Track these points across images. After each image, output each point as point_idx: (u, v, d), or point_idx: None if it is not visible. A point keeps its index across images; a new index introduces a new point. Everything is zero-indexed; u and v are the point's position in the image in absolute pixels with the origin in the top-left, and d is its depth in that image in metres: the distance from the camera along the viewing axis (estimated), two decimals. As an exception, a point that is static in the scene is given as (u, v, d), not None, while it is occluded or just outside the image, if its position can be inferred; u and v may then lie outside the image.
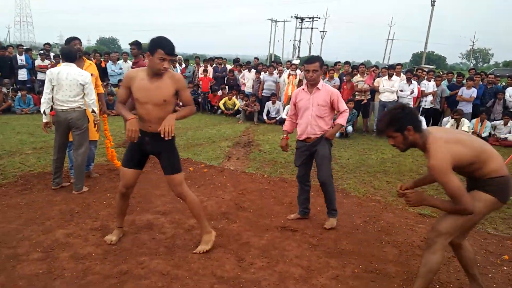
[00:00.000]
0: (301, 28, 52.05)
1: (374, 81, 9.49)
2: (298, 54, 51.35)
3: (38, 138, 6.87)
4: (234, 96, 11.28)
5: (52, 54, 11.49)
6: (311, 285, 2.71)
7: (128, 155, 3.01)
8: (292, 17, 51.31)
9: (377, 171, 5.90)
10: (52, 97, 4.09)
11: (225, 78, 12.27)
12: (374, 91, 9.49)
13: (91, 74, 4.34)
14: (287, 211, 4.09)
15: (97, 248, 3.03)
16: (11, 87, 10.23)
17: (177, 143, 7.03)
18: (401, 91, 8.93)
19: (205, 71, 11.85)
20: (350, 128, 8.82)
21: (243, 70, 11.89)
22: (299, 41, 53.82)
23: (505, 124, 8.86)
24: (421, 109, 9.37)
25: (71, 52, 4.19)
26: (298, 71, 10.42)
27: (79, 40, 4.53)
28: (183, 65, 12.69)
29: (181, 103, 3.06)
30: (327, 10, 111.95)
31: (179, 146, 6.97)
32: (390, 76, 8.96)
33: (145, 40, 3.16)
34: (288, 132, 3.90)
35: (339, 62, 11.28)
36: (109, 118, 5.85)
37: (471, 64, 58.35)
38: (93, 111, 4.25)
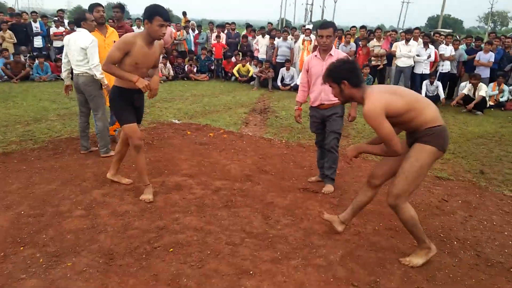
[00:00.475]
0: (314, -9, 50.37)
1: (391, 45, 9.34)
2: (310, 18, 50.04)
3: (60, 105, 7.06)
4: (248, 63, 11.22)
5: (66, 21, 11.48)
6: (335, 240, 2.89)
7: (127, 112, 3.33)
8: (304, -21, 49.64)
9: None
10: (68, 61, 4.29)
11: (238, 44, 12.15)
12: (391, 56, 9.35)
13: (113, 41, 4.40)
14: (307, 174, 4.24)
15: (134, 206, 3.25)
16: (28, 55, 10.31)
17: (194, 109, 7.24)
18: (418, 55, 8.81)
19: (218, 37, 11.71)
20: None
21: (257, 35, 11.72)
22: (312, 5, 52.32)
23: (524, 89, 8.75)
24: (438, 73, 9.24)
25: (78, 17, 4.28)
26: (312, 36, 10.26)
27: (102, 6, 4.56)
28: (196, 31, 12.57)
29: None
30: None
31: (196, 112, 7.11)
32: (407, 40, 8.81)
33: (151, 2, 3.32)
34: (301, 103, 3.97)
35: (354, 26, 11.07)
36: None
37: (489, 28, 56.10)
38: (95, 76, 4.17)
